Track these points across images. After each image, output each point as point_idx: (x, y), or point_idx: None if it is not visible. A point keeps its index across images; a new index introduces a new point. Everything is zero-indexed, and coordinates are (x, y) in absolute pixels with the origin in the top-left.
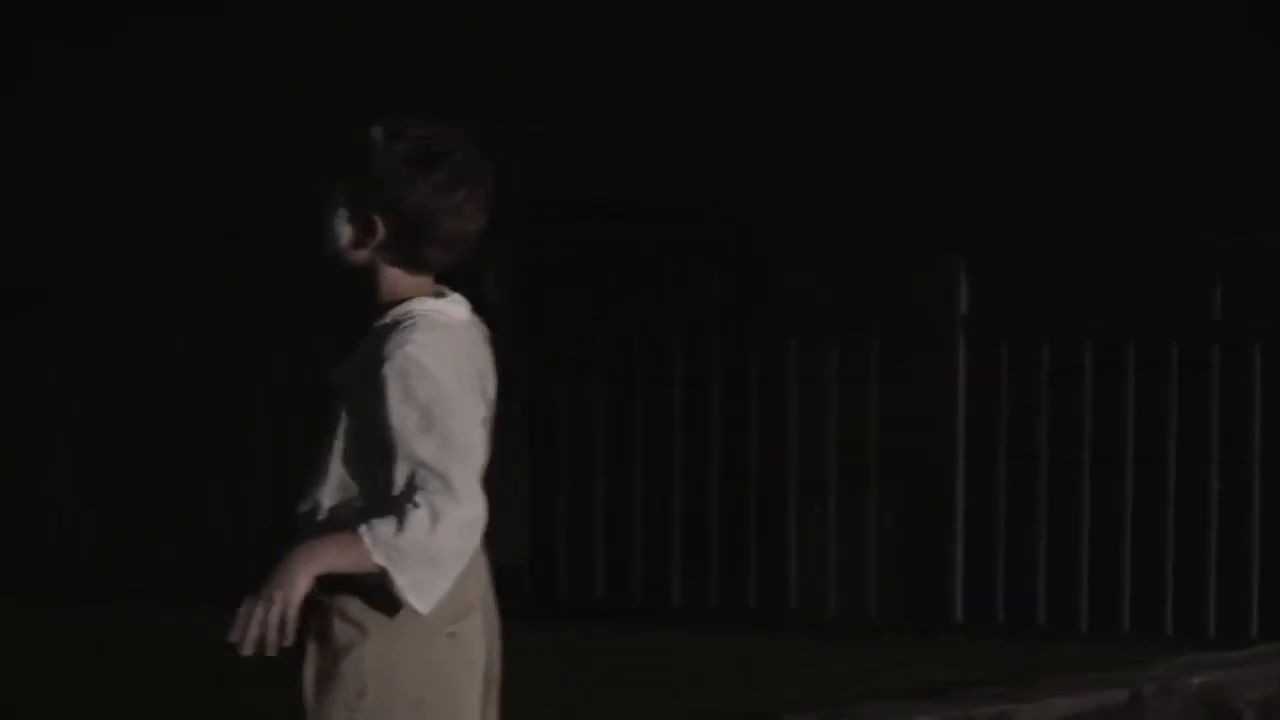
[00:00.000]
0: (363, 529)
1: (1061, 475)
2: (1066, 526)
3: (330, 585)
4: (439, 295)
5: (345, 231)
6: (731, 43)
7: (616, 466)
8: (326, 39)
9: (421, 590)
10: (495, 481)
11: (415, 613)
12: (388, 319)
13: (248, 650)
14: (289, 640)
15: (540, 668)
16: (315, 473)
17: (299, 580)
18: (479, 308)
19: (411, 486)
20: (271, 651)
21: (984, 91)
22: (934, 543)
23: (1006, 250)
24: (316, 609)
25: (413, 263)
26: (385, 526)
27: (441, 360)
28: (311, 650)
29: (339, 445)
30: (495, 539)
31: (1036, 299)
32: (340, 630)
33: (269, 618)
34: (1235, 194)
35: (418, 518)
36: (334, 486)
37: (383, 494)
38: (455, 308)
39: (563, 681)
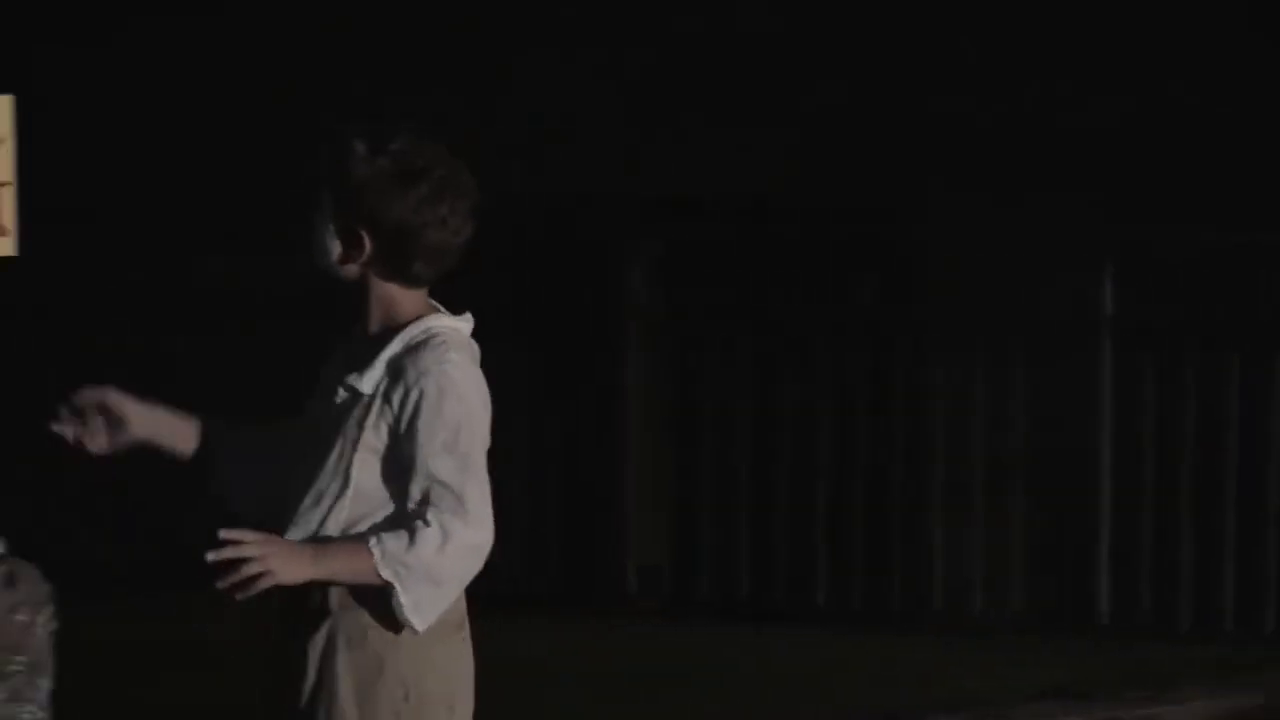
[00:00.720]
0: (373, 542)
1: (1207, 476)
2: (1211, 527)
3: (359, 596)
4: (437, 310)
5: (334, 246)
6: (873, 43)
7: (760, 467)
8: (339, 39)
9: (421, 609)
10: (639, 481)
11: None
12: (414, 334)
13: (219, 580)
14: (240, 597)
15: (679, 666)
16: (324, 476)
17: (300, 571)
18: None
19: (426, 503)
20: (223, 589)
21: (1130, 93)
22: (1078, 543)
23: (1153, 251)
24: (344, 619)
25: (402, 276)
26: (395, 542)
27: (472, 383)
28: (344, 660)
29: (357, 454)
30: (640, 539)
31: (1182, 299)
32: (376, 637)
33: (251, 572)
34: None
35: (428, 536)
36: (351, 494)
37: (396, 507)
38: (467, 326)
39: (701, 680)
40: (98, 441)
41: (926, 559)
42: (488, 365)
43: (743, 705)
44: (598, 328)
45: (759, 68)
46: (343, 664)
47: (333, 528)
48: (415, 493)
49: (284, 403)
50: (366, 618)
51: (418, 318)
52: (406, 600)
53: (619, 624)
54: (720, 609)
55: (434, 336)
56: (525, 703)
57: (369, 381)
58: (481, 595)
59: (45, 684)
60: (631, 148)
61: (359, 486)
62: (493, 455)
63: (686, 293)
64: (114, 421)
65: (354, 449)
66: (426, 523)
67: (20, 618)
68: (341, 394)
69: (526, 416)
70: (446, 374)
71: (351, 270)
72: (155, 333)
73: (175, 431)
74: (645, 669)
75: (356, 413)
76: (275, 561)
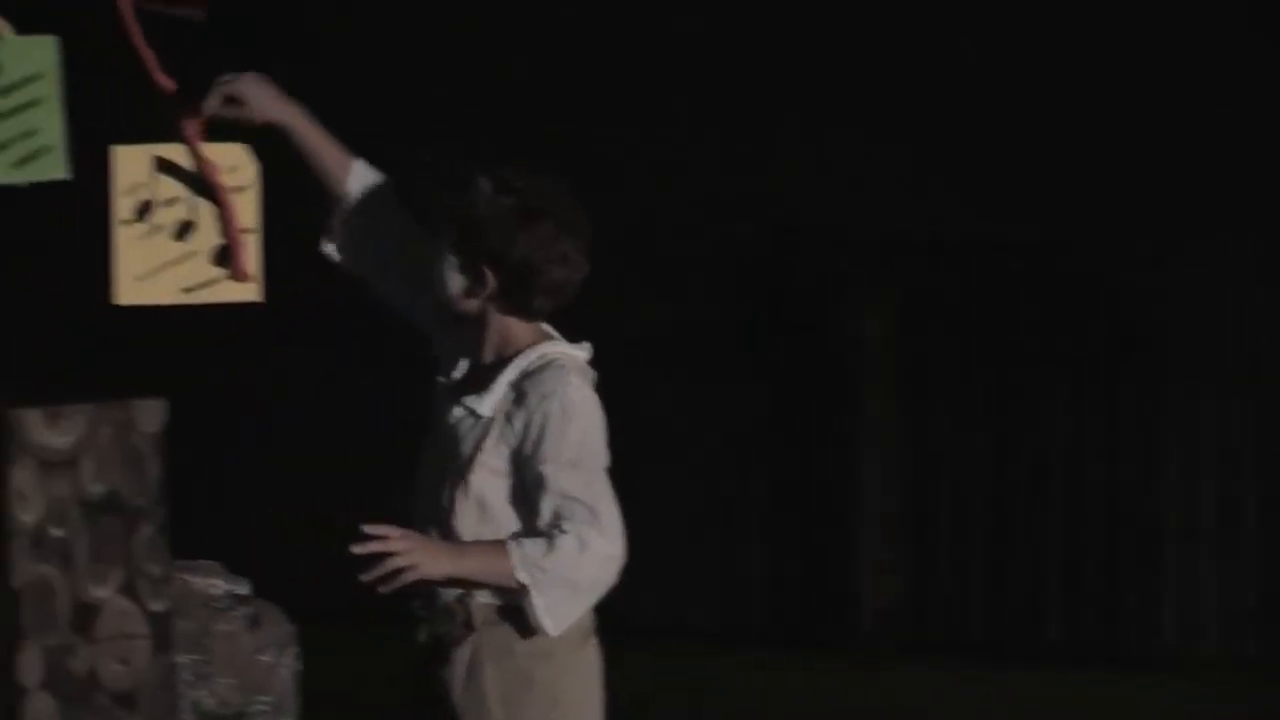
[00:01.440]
0: (512, 545)
1: None
2: None
3: (502, 612)
4: (551, 338)
5: (456, 281)
6: (1113, 88)
7: (994, 507)
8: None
9: (556, 613)
10: (874, 522)
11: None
12: (531, 359)
13: (364, 575)
14: (385, 590)
15: (913, 706)
16: (445, 493)
17: (441, 566)
18: None
19: (559, 517)
20: (368, 582)
21: None
22: None
23: None
24: (489, 635)
25: (523, 311)
26: (534, 547)
27: (591, 403)
28: (491, 674)
29: (480, 475)
30: (875, 579)
31: None
32: (521, 650)
33: (395, 565)
34: None
35: (566, 543)
36: (476, 513)
37: (524, 525)
38: (584, 354)
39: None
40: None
41: (1159, 598)
42: (731, 404)
43: None
44: (835, 369)
45: (1135, 113)
46: (490, 679)
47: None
48: (547, 510)
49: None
50: (510, 632)
51: (534, 344)
52: (540, 603)
53: (855, 663)
54: (954, 649)
55: (552, 361)
56: None
57: (489, 405)
58: (722, 632)
59: None
60: (873, 189)
61: (483, 504)
62: (729, 495)
63: (923, 334)
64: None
65: (473, 469)
66: (563, 532)
67: (264, 658)
68: (460, 416)
69: (764, 456)
70: (568, 395)
71: (473, 305)
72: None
73: (306, 131)
74: (880, 708)
75: (476, 434)
76: (418, 556)
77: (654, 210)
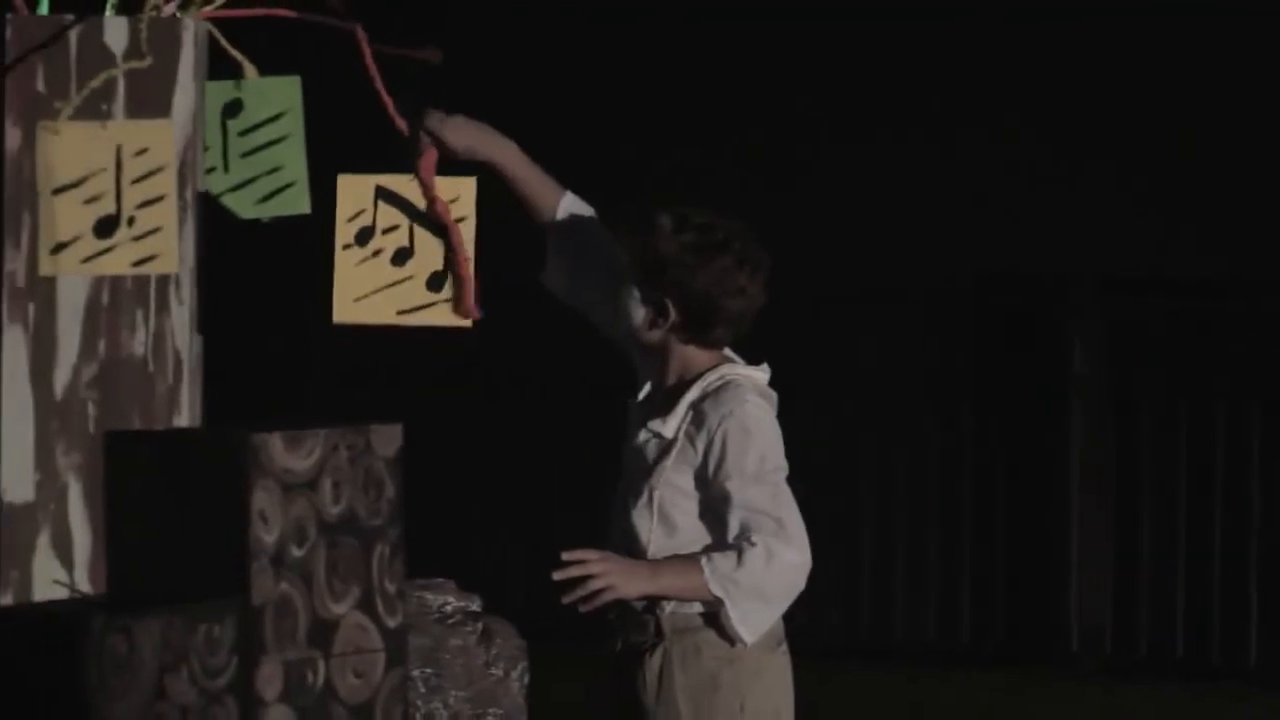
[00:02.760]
0: (704, 560)
1: None
2: None
3: (691, 620)
4: (731, 360)
5: (639, 313)
6: None
7: (1195, 529)
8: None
9: (750, 623)
10: (1081, 543)
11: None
12: (711, 380)
13: (565, 597)
14: (585, 609)
15: None
16: (635, 514)
17: (638, 586)
18: None
19: (745, 530)
20: (569, 604)
21: None
22: None
23: None
24: (678, 642)
25: (702, 341)
26: (725, 561)
27: (769, 419)
28: (681, 680)
29: (666, 493)
30: (1081, 598)
31: None
32: (709, 655)
33: (595, 587)
34: None
35: (755, 555)
36: (663, 530)
37: (714, 537)
38: (764, 375)
39: None
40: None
41: (1247, 616)
42: (947, 432)
43: None
44: (1044, 398)
45: (1206, 155)
46: (680, 684)
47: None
48: (734, 524)
49: None
50: (698, 637)
51: (714, 366)
52: (735, 614)
53: (1061, 680)
54: (1157, 667)
55: (730, 382)
56: None
57: (671, 426)
58: (930, 648)
59: None
60: (1082, 228)
61: (670, 522)
62: (943, 518)
63: (1127, 366)
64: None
65: (659, 488)
66: (752, 544)
67: (495, 672)
68: (645, 438)
69: (976, 480)
70: (748, 413)
71: (656, 335)
72: None
73: (516, 166)
74: None
75: (660, 455)
76: (616, 577)
77: (882, 252)
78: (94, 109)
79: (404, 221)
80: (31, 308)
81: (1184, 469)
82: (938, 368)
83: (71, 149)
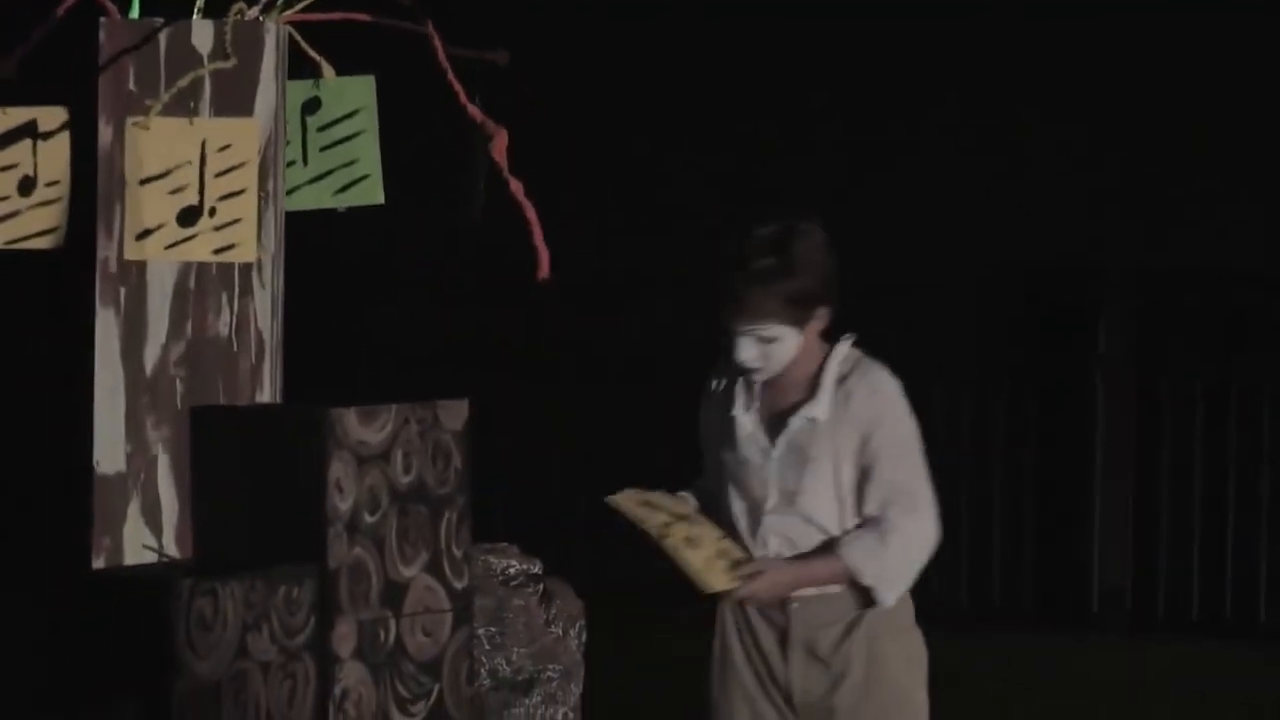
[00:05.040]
0: (844, 550)
1: None
2: None
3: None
4: (825, 342)
5: (793, 342)
6: None
7: (1210, 500)
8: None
9: (896, 590)
10: (1106, 512)
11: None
12: (839, 359)
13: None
14: (751, 604)
15: (1132, 679)
16: (815, 504)
17: (788, 590)
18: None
19: (885, 505)
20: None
21: None
22: None
23: None
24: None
25: (820, 334)
26: (868, 548)
27: (904, 396)
28: (893, 644)
29: (823, 471)
30: (1104, 563)
31: None
32: (896, 618)
33: (760, 599)
34: None
35: (894, 534)
36: (828, 508)
37: (864, 510)
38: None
39: (1151, 692)
40: None
41: (1257, 573)
42: (988, 413)
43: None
44: (1073, 380)
45: (1229, 148)
46: (894, 646)
47: (818, 538)
48: (875, 498)
49: None
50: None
51: (831, 347)
52: (887, 598)
53: (1086, 638)
54: (1175, 626)
55: (861, 360)
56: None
57: (823, 407)
58: (965, 609)
59: (576, 690)
60: (1113, 220)
61: (839, 497)
62: (975, 491)
63: (1151, 351)
64: None
65: (809, 468)
66: (889, 519)
67: (554, 630)
68: (799, 425)
69: (1010, 456)
70: (893, 389)
71: (799, 347)
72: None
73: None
74: (1110, 681)
75: (812, 437)
76: (766, 581)
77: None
78: (182, 107)
79: (670, 519)
80: (123, 291)
81: (1199, 446)
82: (984, 354)
83: (159, 144)
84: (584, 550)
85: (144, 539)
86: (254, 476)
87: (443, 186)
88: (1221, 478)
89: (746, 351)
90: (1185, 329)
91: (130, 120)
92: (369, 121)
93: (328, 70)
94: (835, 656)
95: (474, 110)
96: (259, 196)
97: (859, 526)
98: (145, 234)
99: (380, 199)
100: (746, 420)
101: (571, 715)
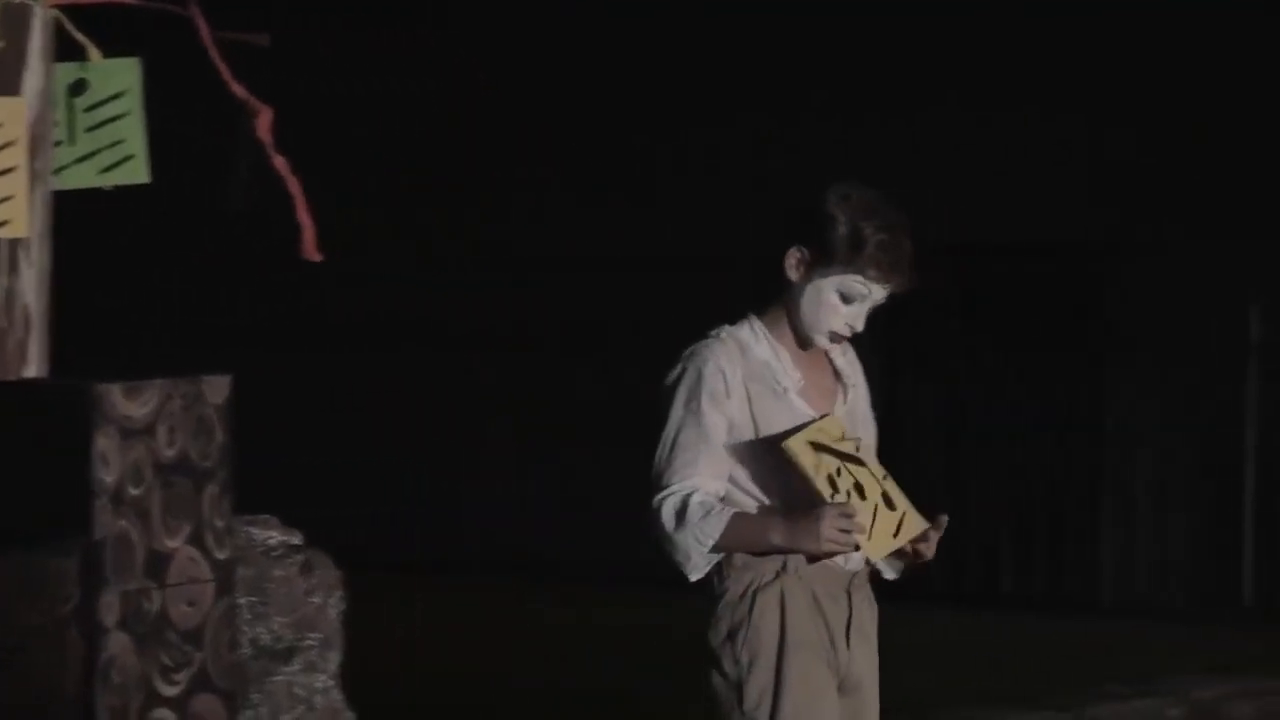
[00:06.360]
0: None
1: None
2: None
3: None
4: None
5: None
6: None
7: (956, 466)
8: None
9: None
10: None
11: None
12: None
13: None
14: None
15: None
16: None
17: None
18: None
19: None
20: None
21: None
22: (1227, 538)
23: None
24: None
25: None
26: None
27: None
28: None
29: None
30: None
31: None
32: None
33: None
34: None
35: None
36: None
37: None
38: None
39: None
40: None
41: (1098, 552)
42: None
43: (938, 682)
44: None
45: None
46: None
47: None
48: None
49: None
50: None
51: None
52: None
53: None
54: (920, 595)
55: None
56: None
57: (859, 374)
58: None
59: (335, 657)
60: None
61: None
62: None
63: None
64: None
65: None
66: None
67: (314, 600)
68: (856, 393)
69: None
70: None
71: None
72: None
73: None
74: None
75: (857, 403)
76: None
77: None
78: None
79: (839, 463)
80: None
81: (952, 408)
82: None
83: None
84: (343, 522)
85: None
86: (21, 450)
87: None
88: (962, 442)
89: (862, 321)
90: (949, 301)
91: None
92: (134, 103)
93: (94, 53)
94: (872, 627)
95: (238, 89)
96: (29, 175)
97: None
98: None
99: (145, 178)
100: (800, 402)
101: (331, 683)
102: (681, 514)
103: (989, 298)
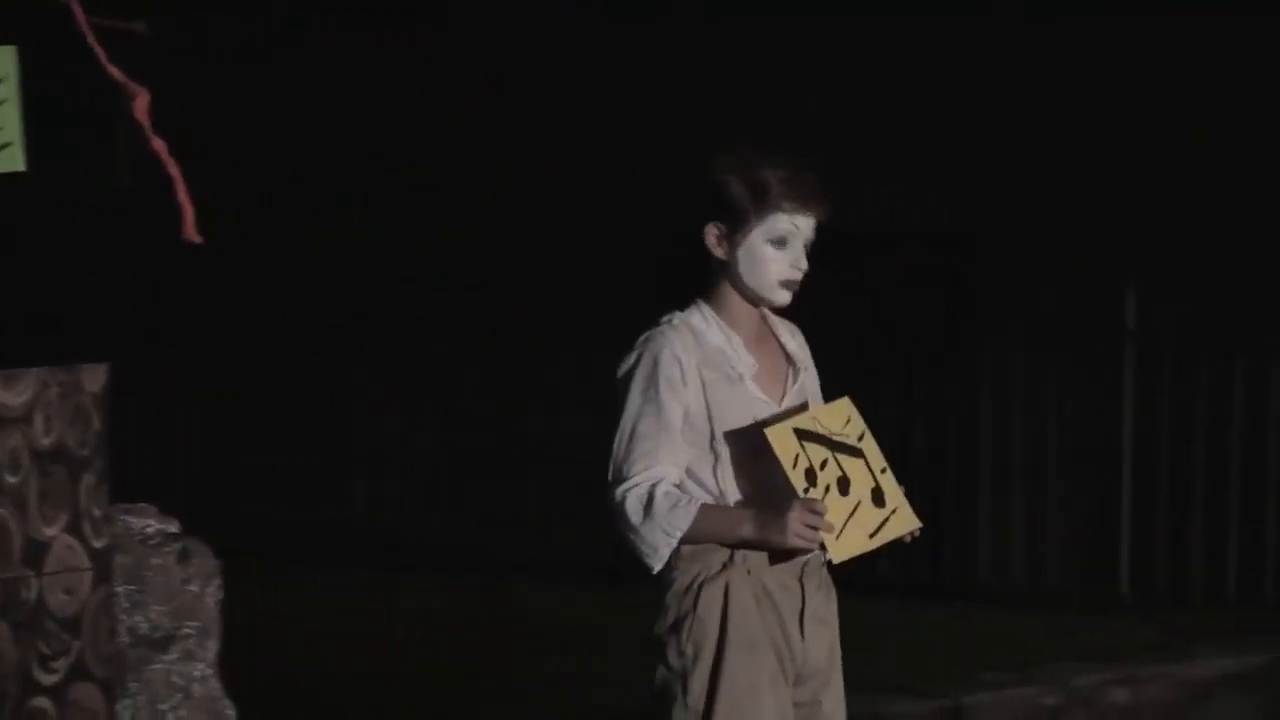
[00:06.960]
0: None
1: (1214, 467)
2: (1219, 507)
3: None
4: None
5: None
6: (955, 83)
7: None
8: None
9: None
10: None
11: None
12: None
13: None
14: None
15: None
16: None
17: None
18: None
19: None
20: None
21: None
22: (1103, 525)
23: (1171, 270)
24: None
25: None
26: None
27: None
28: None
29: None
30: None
31: (1197, 314)
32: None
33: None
34: None
35: None
36: None
37: None
38: None
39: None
40: None
41: (974, 538)
42: None
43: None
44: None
45: (966, 103)
46: (833, 594)
47: None
48: None
49: None
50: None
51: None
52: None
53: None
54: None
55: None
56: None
57: (807, 355)
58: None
59: (213, 646)
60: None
61: None
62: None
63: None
64: None
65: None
66: None
67: (192, 588)
68: (805, 377)
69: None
70: None
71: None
72: None
73: None
74: None
75: (806, 385)
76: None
77: None
78: None
79: (828, 454)
80: None
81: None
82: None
83: None
84: (220, 510)
85: None
86: None
87: (89, 149)
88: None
89: (803, 259)
90: (832, 287)
91: None
92: (10, 91)
93: None
94: (830, 612)
95: (115, 73)
96: None
97: None
98: None
99: (22, 166)
100: (754, 388)
101: (209, 671)
102: (649, 506)
103: (875, 287)
